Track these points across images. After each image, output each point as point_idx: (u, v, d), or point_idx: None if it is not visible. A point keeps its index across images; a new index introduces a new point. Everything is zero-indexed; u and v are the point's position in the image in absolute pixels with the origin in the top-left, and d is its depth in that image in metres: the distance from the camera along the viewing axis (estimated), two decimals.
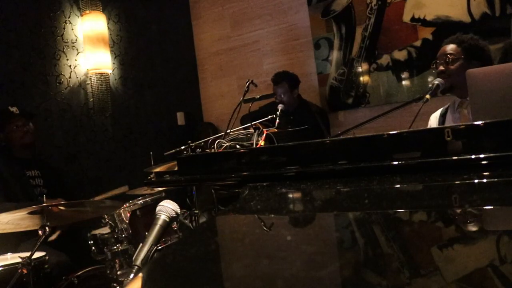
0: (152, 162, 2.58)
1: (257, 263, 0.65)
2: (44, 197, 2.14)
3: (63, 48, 3.49)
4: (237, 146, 1.59)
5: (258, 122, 2.14)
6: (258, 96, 2.69)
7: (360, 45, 3.79)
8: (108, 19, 3.83)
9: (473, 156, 0.94)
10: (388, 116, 1.97)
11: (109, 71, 3.74)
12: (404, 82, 3.63)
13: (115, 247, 2.40)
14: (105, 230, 2.53)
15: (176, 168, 1.54)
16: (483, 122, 1.00)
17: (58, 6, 3.50)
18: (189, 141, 1.85)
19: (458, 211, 0.80)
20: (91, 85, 3.61)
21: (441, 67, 2.08)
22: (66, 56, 3.50)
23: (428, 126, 2.28)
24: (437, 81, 2.02)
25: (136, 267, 1.12)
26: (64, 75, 3.47)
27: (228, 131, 1.83)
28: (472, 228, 0.72)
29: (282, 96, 3.53)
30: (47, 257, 2.14)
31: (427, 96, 1.90)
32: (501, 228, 0.71)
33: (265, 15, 4.30)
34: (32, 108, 3.15)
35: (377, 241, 0.69)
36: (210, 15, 4.63)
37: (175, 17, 4.58)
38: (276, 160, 1.24)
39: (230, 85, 4.55)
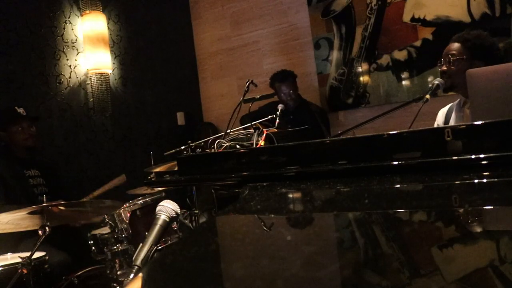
0: (152, 162, 2.58)
1: (257, 263, 0.65)
2: (44, 197, 2.14)
3: (63, 48, 3.49)
4: (237, 146, 1.59)
5: (258, 122, 2.14)
6: (258, 96, 2.69)
7: (360, 45, 3.79)
8: (108, 19, 3.83)
9: (473, 156, 0.94)
10: (388, 116, 1.97)
11: (109, 71, 3.74)
12: (404, 82, 3.63)
13: (115, 247, 2.40)
14: (105, 230, 2.53)
15: (176, 168, 1.54)
16: (483, 122, 1.00)
17: (58, 6, 3.50)
18: (189, 141, 1.85)
19: (458, 211, 0.80)
20: (91, 85, 3.61)
21: (444, 67, 2.08)
22: (66, 56, 3.50)
23: (436, 121, 2.29)
24: (437, 81, 2.02)
25: (136, 267, 1.12)
26: (64, 75, 3.47)
27: (228, 131, 1.83)
28: (472, 228, 0.72)
29: (291, 92, 3.54)
30: (47, 257, 2.14)
31: (427, 96, 1.90)
32: (501, 228, 0.71)
33: (265, 15, 4.30)
34: (32, 108, 3.15)
35: (377, 241, 0.69)
36: (210, 15, 4.63)
37: (175, 17, 4.58)
38: (276, 160, 1.24)
39: (230, 85, 4.55)
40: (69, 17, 3.56)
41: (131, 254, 2.36)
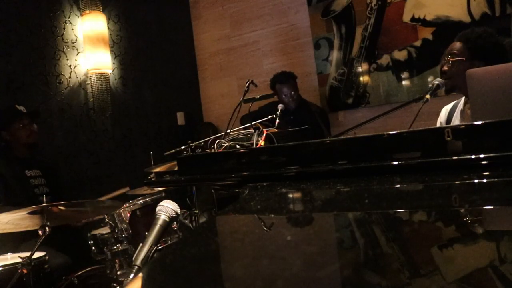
0: (152, 162, 2.58)
1: (257, 263, 0.65)
2: (44, 197, 2.14)
3: (63, 48, 3.49)
4: (237, 146, 1.59)
5: (258, 122, 2.14)
6: (258, 96, 2.69)
7: (360, 45, 3.79)
8: (108, 19, 3.83)
9: (473, 156, 0.94)
10: (388, 116, 1.97)
11: (109, 71, 3.74)
12: (404, 82, 3.63)
13: (115, 247, 2.40)
14: (105, 230, 2.53)
15: (176, 168, 1.54)
16: (483, 122, 1.00)
17: (58, 6, 3.50)
18: (189, 141, 1.85)
19: (458, 211, 0.80)
20: (91, 85, 3.61)
21: (444, 68, 2.07)
22: (66, 56, 3.50)
23: (438, 119, 2.28)
24: (437, 81, 2.01)
25: (136, 267, 1.12)
26: (64, 75, 3.47)
27: (228, 131, 1.83)
28: (472, 228, 0.72)
29: (293, 93, 3.54)
30: (47, 257, 2.14)
31: (427, 96, 1.89)
32: (501, 228, 0.71)
33: (265, 15, 4.31)
34: (32, 108, 3.15)
35: (377, 241, 0.69)
36: (210, 15, 4.63)
37: (175, 17, 4.58)
38: (276, 160, 1.24)
39: (230, 85, 4.55)
40: (69, 17, 3.56)
41: (131, 254, 2.36)
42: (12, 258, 2.18)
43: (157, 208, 1.23)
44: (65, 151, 3.40)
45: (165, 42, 4.39)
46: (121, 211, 2.43)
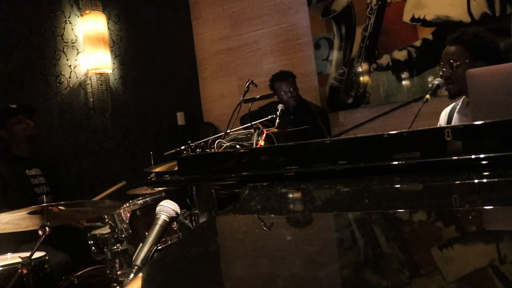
0: (152, 162, 2.58)
1: (257, 263, 0.65)
2: (44, 197, 2.14)
3: (63, 48, 3.49)
4: (237, 146, 1.59)
5: (258, 122, 2.14)
6: (258, 96, 2.68)
7: (360, 45, 3.79)
8: (108, 19, 3.83)
9: (473, 156, 0.94)
10: (388, 116, 1.98)
11: (109, 71, 3.74)
12: (404, 82, 3.63)
13: (115, 247, 2.40)
14: (105, 230, 2.53)
15: (176, 168, 1.54)
16: (483, 122, 1.00)
17: (58, 6, 3.50)
18: (189, 141, 1.85)
19: (458, 211, 0.80)
20: (91, 85, 3.61)
21: (447, 73, 2.02)
22: (66, 56, 3.50)
23: (439, 122, 2.26)
24: (437, 81, 2.01)
25: (136, 267, 1.12)
26: (64, 75, 3.47)
27: (228, 131, 1.83)
28: (472, 228, 0.72)
29: (292, 90, 3.55)
30: (47, 257, 2.14)
31: (427, 96, 1.89)
32: (501, 228, 0.71)
33: (265, 15, 4.30)
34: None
35: (377, 241, 0.69)
36: (210, 15, 4.63)
37: (175, 17, 4.58)
38: (276, 160, 1.24)
39: (230, 85, 4.55)
40: (69, 17, 3.56)
41: (131, 254, 2.36)
42: (12, 258, 2.18)
43: (157, 208, 1.23)
44: (65, 151, 3.40)
45: (165, 42, 4.38)
46: (121, 211, 2.43)
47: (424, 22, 3.51)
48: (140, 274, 0.78)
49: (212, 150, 1.62)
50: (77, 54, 3.57)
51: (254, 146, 1.56)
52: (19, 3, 3.23)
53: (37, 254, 2.01)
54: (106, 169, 3.66)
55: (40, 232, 1.90)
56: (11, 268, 1.97)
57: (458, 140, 0.97)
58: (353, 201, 0.97)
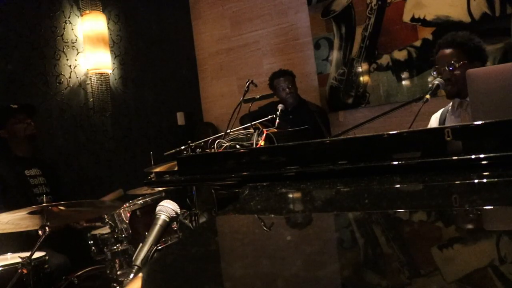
0: (152, 162, 2.58)
1: (257, 263, 0.65)
2: (44, 197, 2.14)
3: (63, 48, 3.49)
4: (237, 146, 1.59)
5: (258, 122, 2.14)
6: (258, 96, 2.69)
7: (360, 45, 3.79)
8: (108, 19, 3.83)
9: (473, 156, 0.94)
10: (388, 116, 1.97)
11: (109, 71, 3.74)
12: (404, 82, 3.63)
13: (115, 247, 2.40)
14: (105, 230, 2.53)
15: (176, 168, 1.54)
16: (483, 122, 1.00)
17: (58, 6, 3.50)
18: (189, 141, 1.85)
19: (458, 211, 0.80)
20: (91, 85, 3.61)
21: (447, 75, 2.04)
22: (66, 56, 3.50)
23: (428, 127, 2.28)
24: (437, 81, 2.01)
25: (136, 267, 1.12)
26: (64, 75, 3.46)
27: (228, 131, 1.83)
28: (472, 228, 0.72)
29: (290, 87, 3.56)
30: (47, 257, 2.14)
31: (427, 96, 1.89)
32: (501, 228, 0.71)
33: (265, 15, 4.30)
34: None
35: (377, 241, 0.69)
36: (210, 15, 4.63)
37: (175, 17, 4.58)
38: (276, 160, 1.24)
39: (230, 85, 4.55)
40: (69, 17, 3.55)
41: (131, 254, 2.36)
42: (12, 258, 2.18)
43: (157, 208, 1.23)
44: (65, 151, 3.40)
45: (165, 42, 4.38)
46: (121, 211, 2.43)
47: (424, 22, 3.51)
48: (140, 274, 0.78)
49: (212, 150, 1.62)
50: (77, 54, 3.57)
51: (254, 146, 1.56)
52: (19, 3, 3.23)
53: (37, 254, 2.01)
54: (106, 169, 3.66)
55: (40, 232, 1.90)
56: (11, 268, 1.97)
57: (458, 140, 0.97)
58: (353, 201, 0.97)
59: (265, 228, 0.86)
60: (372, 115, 2.09)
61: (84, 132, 3.56)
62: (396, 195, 0.94)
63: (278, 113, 2.44)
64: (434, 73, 2.11)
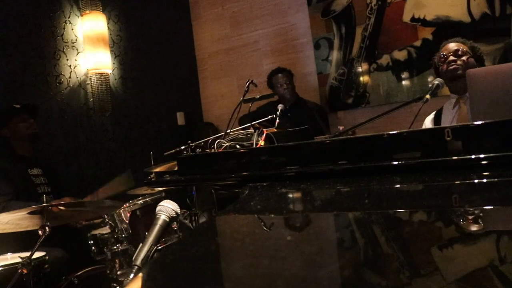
0: (152, 162, 2.58)
1: (257, 263, 0.65)
2: (45, 197, 2.14)
3: (63, 48, 3.49)
4: (237, 146, 1.59)
5: (258, 122, 2.14)
6: (258, 96, 2.69)
7: (360, 45, 3.79)
8: (108, 19, 3.83)
9: (473, 156, 0.94)
10: (388, 116, 1.97)
11: (109, 71, 3.74)
12: (404, 82, 3.63)
13: (115, 247, 2.39)
14: (105, 230, 2.53)
15: (176, 168, 1.54)
16: (483, 122, 1.00)
17: (58, 6, 3.50)
18: (189, 141, 1.85)
19: (458, 211, 0.80)
20: (91, 85, 3.61)
21: (452, 57, 2.11)
22: (66, 56, 3.50)
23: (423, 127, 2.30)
24: (437, 81, 2.02)
25: (136, 267, 1.11)
26: (64, 75, 3.46)
27: (228, 131, 1.83)
28: (472, 228, 0.72)
29: (288, 83, 3.59)
30: (47, 257, 2.14)
31: (427, 96, 1.90)
32: (501, 228, 0.71)
33: (265, 15, 4.30)
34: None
35: (377, 241, 0.69)
36: (210, 15, 4.63)
37: (175, 17, 4.58)
38: (276, 160, 1.24)
39: (230, 85, 4.55)
40: (69, 17, 3.55)
41: (131, 254, 2.35)
42: (12, 258, 2.18)
43: (157, 208, 1.23)
44: (65, 151, 3.40)
45: (165, 42, 4.38)
46: (121, 211, 2.42)
47: (424, 22, 3.51)
48: (140, 274, 0.78)
49: (212, 150, 1.62)
50: (77, 54, 3.57)
51: (254, 146, 1.56)
52: (19, 3, 3.23)
53: (37, 254, 2.01)
54: (106, 169, 3.66)
55: (40, 232, 1.90)
56: (11, 268, 1.97)
57: (458, 140, 0.97)
58: (353, 201, 0.97)
59: (265, 228, 0.86)
60: (372, 115, 2.09)
61: (84, 132, 3.56)
62: (396, 195, 0.94)
63: (278, 113, 2.44)
64: (440, 59, 2.14)
